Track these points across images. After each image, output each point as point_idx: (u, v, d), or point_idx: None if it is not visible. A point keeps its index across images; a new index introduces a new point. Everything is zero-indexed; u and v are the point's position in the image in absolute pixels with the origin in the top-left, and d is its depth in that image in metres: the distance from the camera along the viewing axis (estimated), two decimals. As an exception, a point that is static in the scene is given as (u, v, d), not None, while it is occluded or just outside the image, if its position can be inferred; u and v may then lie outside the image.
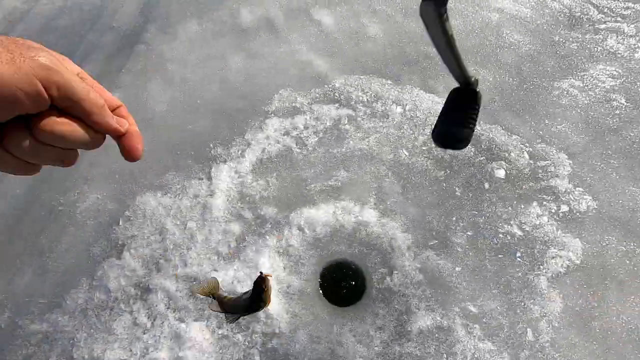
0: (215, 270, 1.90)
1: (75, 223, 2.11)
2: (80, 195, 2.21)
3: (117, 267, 1.93)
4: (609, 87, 2.58)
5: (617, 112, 2.45)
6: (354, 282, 1.92)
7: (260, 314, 1.77)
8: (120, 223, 2.09)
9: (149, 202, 2.16)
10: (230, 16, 3.26)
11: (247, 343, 1.72)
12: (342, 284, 1.94)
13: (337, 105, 2.57)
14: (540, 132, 2.37)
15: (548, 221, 2.00)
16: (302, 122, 2.47)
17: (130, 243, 2.01)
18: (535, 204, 2.07)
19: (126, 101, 2.62)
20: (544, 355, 1.65)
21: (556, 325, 1.72)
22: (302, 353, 1.69)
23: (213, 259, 1.94)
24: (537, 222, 2.00)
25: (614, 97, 2.52)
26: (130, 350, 1.71)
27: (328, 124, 2.47)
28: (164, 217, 2.09)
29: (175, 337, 1.73)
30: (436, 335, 1.71)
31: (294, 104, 2.58)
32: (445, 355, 1.66)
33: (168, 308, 1.81)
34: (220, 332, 1.75)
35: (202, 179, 2.25)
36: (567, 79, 2.65)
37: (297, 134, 2.42)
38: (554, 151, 2.27)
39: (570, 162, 2.22)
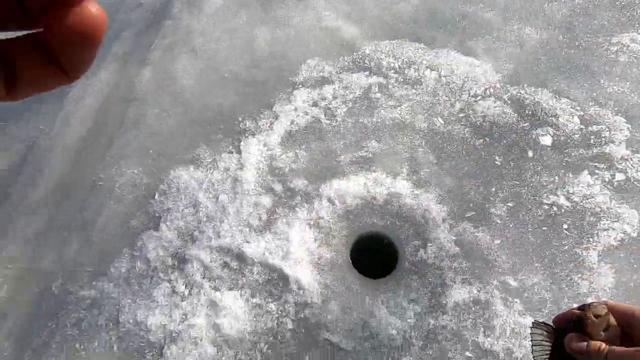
0: (247, 241, 1.92)
1: (114, 197, 2.19)
2: (118, 170, 2.29)
3: (155, 238, 2.01)
4: (678, 39, 2.27)
5: (688, 67, 2.16)
6: (386, 254, 1.88)
7: (292, 284, 1.79)
8: (156, 196, 2.15)
9: (182, 176, 2.20)
10: (255, -15, 3.15)
11: (279, 312, 1.75)
12: (372, 254, 1.91)
13: (367, 73, 2.45)
14: (594, 94, 2.15)
15: (601, 191, 1.84)
16: (330, 92, 2.39)
17: (166, 215, 2.07)
18: (585, 172, 1.90)
19: (156, 77, 2.64)
20: (591, 332, 1.55)
21: (606, 301, 1.60)
22: (333, 323, 1.69)
23: (245, 231, 1.96)
24: (588, 192, 1.84)
25: (684, 50, 2.22)
26: (171, 316, 1.79)
27: (358, 93, 2.37)
28: (197, 190, 2.13)
29: (211, 305, 1.79)
30: (473, 309, 1.65)
31: (322, 74, 2.49)
32: (482, 329, 1.61)
33: (204, 277, 1.87)
34: (253, 301, 1.78)
35: (232, 152, 2.26)
36: (628, 32, 2.35)
37: (326, 105, 2.35)
38: (610, 114, 2.06)
39: (629, 125, 2.01)
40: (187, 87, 2.59)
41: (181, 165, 2.26)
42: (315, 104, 2.37)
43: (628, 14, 2.45)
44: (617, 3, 2.53)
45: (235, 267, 1.87)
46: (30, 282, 2.02)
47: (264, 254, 1.87)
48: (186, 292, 1.84)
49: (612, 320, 0.59)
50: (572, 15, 2.53)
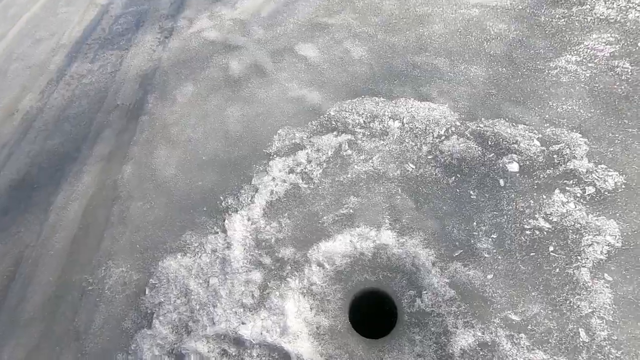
0: (243, 323, 1.88)
1: (105, 300, 2.16)
2: (107, 271, 2.28)
3: (149, 337, 1.95)
4: (608, 54, 2.47)
5: (624, 77, 2.33)
6: (384, 311, 1.85)
7: (293, 358, 1.72)
8: (147, 292, 2.13)
9: (170, 265, 2.20)
10: (221, 70, 3.41)
11: (286, 395, 1.66)
12: (367, 314, 1.87)
13: (335, 133, 2.59)
14: (547, 116, 2.28)
15: (575, 207, 1.88)
16: (304, 157, 2.49)
17: (158, 310, 2.04)
18: (557, 191, 1.95)
19: (138, 171, 2.74)
20: (604, 355, 1.50)
21: (610, 319, 1.57)
22: (343, 396, 1.61)
23: (239, 312, 1.93)
24: (564, 210, 1.89)
25: (616, 63, 2.41)
26: (173, 422, 1.69)
27: (330, 153, 2.48)
28: (187, 278, 2.12)
29: (214, 401, 1.70)
30: (481, 353, 1.60)
31: (293, 141, 2.62)
32: (495, 374, 1.54)
33: (203, 371, 1.79)
34: (257, 388, 1.70)
35: (218, 232, 2.28)
36: (563, 56, 2.57)
37: (302, 170, 2.44)
38: (566, 132, 2.17)
39: (585, 139, 2.11)
40: (167, 176, 2.68)
41: (169, 254, 2.26)
42: (291, 171, 2.46)
43: (559, 39, 2.69)
44: (547, 31, 2.78)
45: (234, 353, 1.81)
46: (23, 410, 1.91)
47: (261, 333, 1.82)
48: (187, 391, 1.75)
49: None
50: (510, 48, 2.76)
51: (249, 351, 1.80)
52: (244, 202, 2.39)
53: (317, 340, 1.78)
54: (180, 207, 2.49)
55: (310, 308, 1.88)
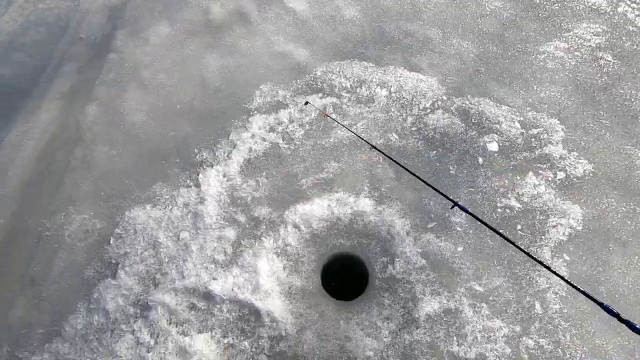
0: (214, 278, 1.85)
1: (65, 247, 2.04)
2: (67, 217, 2.14)
3: (113, 287, 1.88)
4: (594, 45, 2.52)
5: (605, 70, 2.40)
6: (355, 275, 1.89)
7: (265, 317, 1.74)
8: (112, 242, 2.03)
9: (138, 216, 2.10)
10: (201, 13, 3.13)
11: (254, 349, 1.69)
12: (337, 278, 1.90)
13: (320, 94, 2.49)
14: (530, 100, 2.32)
15: (546, 190, 1.97)
16: (286, 116, 2.40)
17: (123, 261, 1.96)
18: (531, 173, 2.03)
19: (104, 114, 2.52)
20: (553, 327, 1.64)
21: (563, 294, 1.70)
22: (310, 353, 1.66)
23: (210, 267, 1.89)
24: (535, 192, 1.97)
25: (600, 55, 2.46)
26: (137, 370, 1.68)
27: (313, 115, 2.40)
28: (156, 230, 2.04)
29: (180, 352, 1.69)
30: (444, 318, 1.69)
31: (276, 98, 2.51)
32: (455, 338, 1.64)
33: (170, 323, 1.77)
34: (225, 342, 1.71)
35: (191, 186, 2.19)
36: (552, 41, 2.58)
37: (283, 129, 2.35)
38: (545, 117, 2.23)
39: (563, 127, 2.18)
40: (137, 122, 2.50)
41: (137, 205, 2.15)
42: (272, 129, 2.36)
43: (550, 24, 2.69)
44: (540, 14, 2.77)
45: (203, 307, 1.80)
46: (-29, 353, 1.82)
47: (232, 289, 1.81)
48: (152, 342, 1.73)
49: None
50: (503, 28, 2.73)
51: (218, 306, 1.79)
52: (220, 157, 2.28)
53: (288, 299, 1.80)
54: (151, 156, 2.34)
55: (284, 268, 1.88)
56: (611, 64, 2.41)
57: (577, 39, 2.54)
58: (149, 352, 1.71)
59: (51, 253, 2.04)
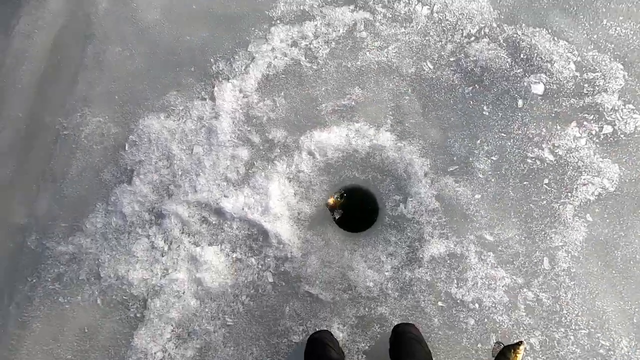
0: (226, 196, 1.87)
1: (82, 148, 2.06)
2: (83, 118, 2.12)
3: (129, 192, 1.94)
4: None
5: (698, 7, 1.99)
6: (366, 209, 1.88)
7: (272, 239, 1.79)
8: (127, 148, 2.03)
9: (152, 125, 2.06)
10: None
11: (260, 266, 1.77)
12: (349, 209, 1.90)
13: (352, 7, 2.20)
14: (595, 37, 1.99)
15: (586, 144, 1.80)
16: (311, 30, 2.16)
17: (138, 168, 1.98)
18: (574, 124, 1.84)
19: (115, 9, 2.32)
20: (557, 283, 1.64)
21: (575, 254, 1.66)
22: (313, 276, 1.74)
23: (222, 185, 1.90)
24: (573, 145, 1.81)
25: (698, -14, 2.03)
26: (152, 271, 1.81)
27: (341, 31, 2.15)
28: (170, 141, 2.01)
29: (191, 260, 1.80)
30: (448, 262, 1.70)
31: (302, 7, 2.23)
32: (455, 281, 1.68)
33: (182, 233, 1.85)
34: (234, 256, 1.80)
35: (205, 99, 2.09)
36: (642, -38, 2.11)
37: (306, 45, 2.13)
38: (608, 60, 1.93)
39: (625, 73, 1.90)
40: (150, 22, 2.30)
41: (151, 113, 2.10)
42: (294, 44, 2.15)
43: (646, -62, 2.18)
44: None
45: (214, 222, 1.85)
46: (3, 237, 1.98)
47: (242, 209, 1.84)
48: (166, 248, 1.83)
49: None
50: (585, -62, 2.23)
51: (229, 222, 1.84)
52: (237, 70, 2.13)
53: (296, 224, 1.83)
54: (165, 61, 2.20)
55: (295, 194, 1.87)
56: None
57: (675, -38, 2.07)
58: (162, 256, 1.82)
59: (69, 153, 2.07)
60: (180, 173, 1.95)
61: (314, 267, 1.75)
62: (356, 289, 1.71)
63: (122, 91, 2.17)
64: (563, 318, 1.60)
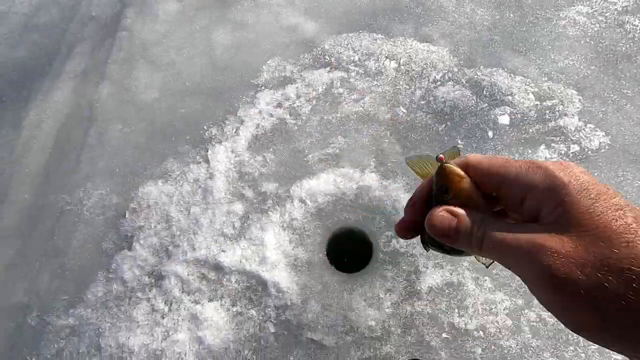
0: (223, 251, 1.92)
1: (84, 221, 2.15)
2: (85, 192, 2.24)
3: (129, 258, 1.99)
4: (620, 8, 2.35)
5: (630, 36, 2.25)
6: (360, 249, 1.92)
7: (271, 288, 1.81)
8: (127, 215, 2.12)
9: (151, 192, 2.17)
10: (208, -12, 3.09)
11: (260, 317, 1.77)
12: (343, 251, 1.94)
13: (328, 68, 2.46)
14: (546, 70, 2.21)
15: (558, 164, 1.91)
16: (293, 92, 2.39)
17: (138, 234, 2.05)
18: (542, 147, 1.97)
19: (116, 93, 2.58)
20: (557, 300, 1.63)
21: (569, 269, 1.68)
22: (314, 321, 1.72)
23: (220, 240, 1.96)
24: (546, 166, 1.91)
25: (626, 19, 2.30)
26: (152, 335, 1.79)
27: (320, 89, 2.38)
28: (168, 204, 2.11)
29: (192, 319, 1.79)
30: (446, 291, 1.71)
31: (283, 74, 2.49)
32: (456, 310, 1.67)
33: (182, 292, 1.87)
34: (234, 310, 1.80)
35: (200, 162, 2.24)
36: (574, 6, 2.42)
37: (290, 105, 2.35)
38: (562, 88, 2.13)
39: (580, 97, 2.08)
40: (148, 100, 2.54)
41: (150, 180, 2.23)
42: (279, 105, 2.36)
43: (573, -13, 2.52)
44: (563, -23, 2.59)
45: (213, 277, 1.88)
46: (4, 317, 1.98)
47: (240, 261, 1.88)
48: (166, 309, 1.84)
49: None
50: (522, -7, 2.58)
51: (227, 276, 1.87)
52: (228, 133, 2.31)
53: (294, 270, 1.86)
54: (162, 133, 2.40)
55: (290, 241, 1.92)
56: (637, 29, 2.25)
57: (601, 2, 2.38)
58: (163, 318, 1.81)
59: (72, 226, 2.15)
60: (178, 233, 2.02)
61: (314, 312, 1.74)
62: (359, 329, 1.69)
63: (122, 164, 2.32)
64: (570, 335, 1.56)
